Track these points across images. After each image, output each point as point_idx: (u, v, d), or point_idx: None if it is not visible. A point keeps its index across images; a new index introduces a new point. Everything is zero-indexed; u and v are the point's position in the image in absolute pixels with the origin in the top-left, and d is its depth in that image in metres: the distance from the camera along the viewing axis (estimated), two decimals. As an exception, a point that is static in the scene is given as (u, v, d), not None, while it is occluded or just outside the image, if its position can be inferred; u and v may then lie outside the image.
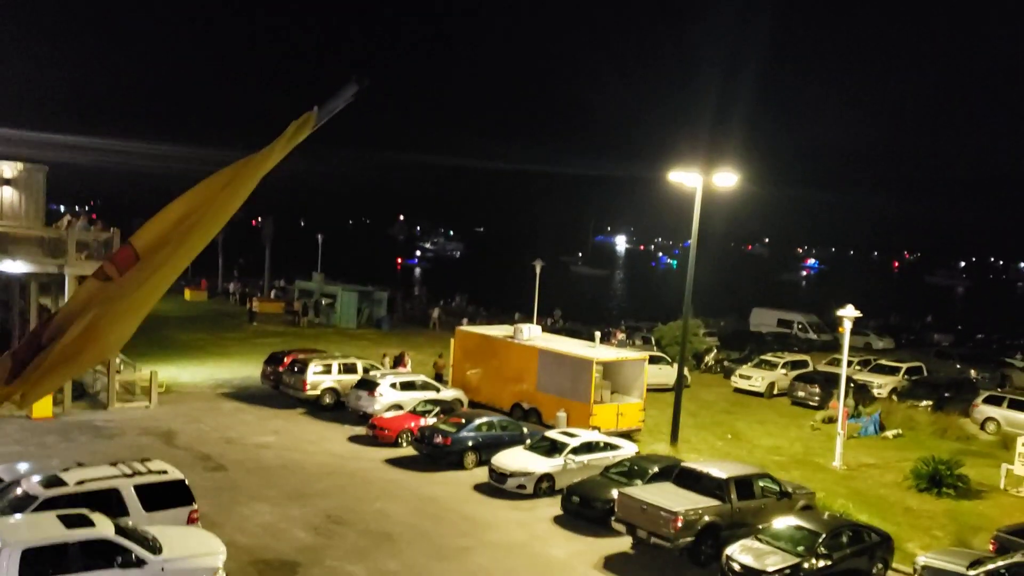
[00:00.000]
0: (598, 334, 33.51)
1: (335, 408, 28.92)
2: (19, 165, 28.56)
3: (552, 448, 22.40)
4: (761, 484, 19.41)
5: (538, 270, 43.81)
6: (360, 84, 2.33)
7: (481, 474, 22.40)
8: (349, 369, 30.32)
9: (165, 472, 16.17)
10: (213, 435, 25.09)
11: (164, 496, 15.69)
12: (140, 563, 13.26)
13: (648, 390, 29.25)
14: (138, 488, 15.41)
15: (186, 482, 16.20)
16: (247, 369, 34.15)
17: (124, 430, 24.90)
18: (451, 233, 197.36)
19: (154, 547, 13.66)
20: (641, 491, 18.72)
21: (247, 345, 40.69)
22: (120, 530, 13.58)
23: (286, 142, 2.15)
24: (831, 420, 29.07)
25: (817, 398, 34.24)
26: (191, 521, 15.79)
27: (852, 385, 32.42)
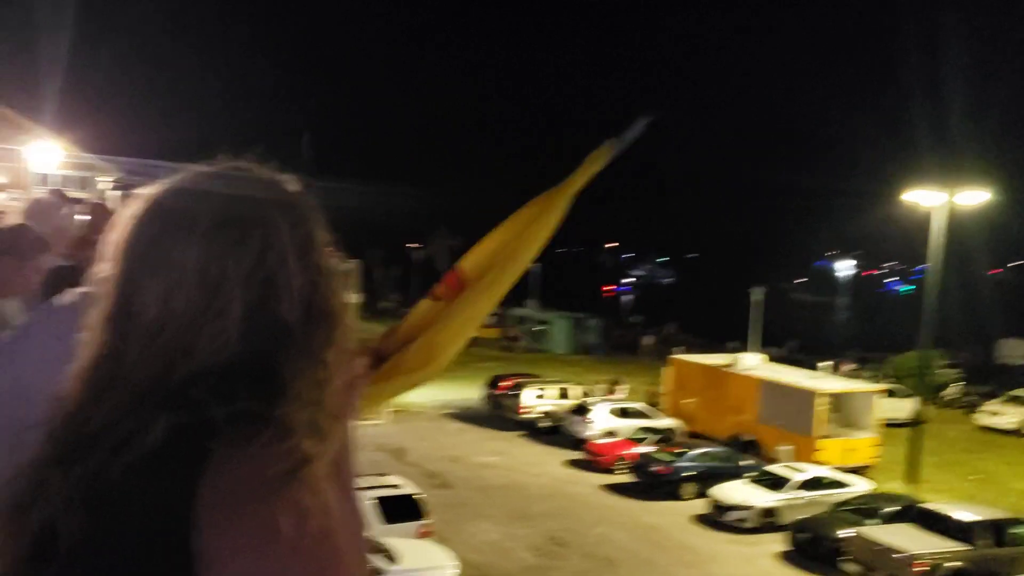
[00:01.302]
0: (825, 364, 32.03)
1: (551, 432, 29.35)
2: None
3: (775, 482, 21.61)
4: (1016, 531, 17.78)
5: (756, 297, 42.57)
6: (653, 116, 2.45)
7: (699, 505, 21.96)
8: (564, 394, 30.73)
9: (400, 487, 17.07)
10: (439, 453, 26.16)
11: (399, 509, 16.53)
12: (378, 572, 14.03)
13: (881, 425, 27.61)
14: (377, 500, 16.34)
15: (419, 497, 17.01)
16: (468, 391, 35.37)
17: (360, 445, 26.38)
18: (662, 260, 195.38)
19: (391, 557, 14.42)
20: (876, 531, 17.67)
21: (468, 368, 42.08)
22: (361, 539, 14.42)
23: (584, 173, 2.29)
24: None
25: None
26: (423, 535, 16.54)
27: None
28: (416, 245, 75.31)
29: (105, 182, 31.40)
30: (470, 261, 2.28)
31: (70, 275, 3.37)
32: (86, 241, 4.28)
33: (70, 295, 1.82)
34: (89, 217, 4.46)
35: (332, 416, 0.96)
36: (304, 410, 0.92)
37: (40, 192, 4.21)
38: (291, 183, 1.06)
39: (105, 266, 1.00)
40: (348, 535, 0.96)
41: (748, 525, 20.50)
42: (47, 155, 29.15)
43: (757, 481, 21.85)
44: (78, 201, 4.72)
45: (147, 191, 1.02)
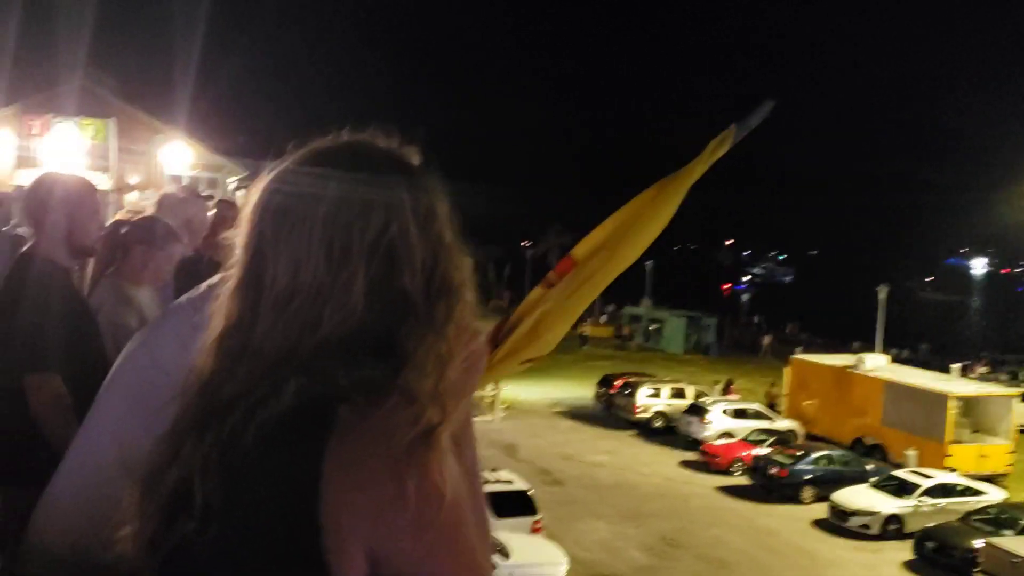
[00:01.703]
0: (956, 366, 30.54)
1: (665, 432, 28.97)
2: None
3: (901, 488, 20.74)
4: None
5: (882, 296, 40.90)
6: (777, 100, 2.38)
7: (819, 510, 21.26)
8: (679, 394, 30.28)
9: (512, 482, 17.19)
10: (551, 451, 26.20)
11: (511, 505, 16.63)
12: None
13: (1020, 431, 26.12)
14: (489, 495, 16.49)
15: (530, 493, 17.08)
16: (580, 390, 35.30)
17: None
18: (781, 257, 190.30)
19: (503, 552, 14.53)
20: (1012, 542, 16.74)
21: (580, 367, 42.09)
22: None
23: (707, 158, 2.23)
24: None
25: None
26: (535, 531, 16.60)
27: None
28: (529, 243, 75.65)
29: (232, 182, 32.78)
30: (583, 247, 2.27)
31: (198, 266, 3.54)
32: (214, 234, 4.46)
33: (205, 284, 1.88)
34: (217, 212, 4.63)
35: (454, 389, 0.98)
36: (427, 380, 0.94)
37: (172, 188, 4.42)
38: (413, 156, 1.08)
39: (236, 240, 1.04)
40: (471, 509, 0.98)
41: (871, 532, 19.76)
42: (179, 156, 30.65)
43: (882, 486, 21.02)
44: (208, 197, 4.92)
45: (276, 167, 1.04)
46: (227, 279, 1.04)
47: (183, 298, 1.92)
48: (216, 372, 1.00)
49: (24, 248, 2.97)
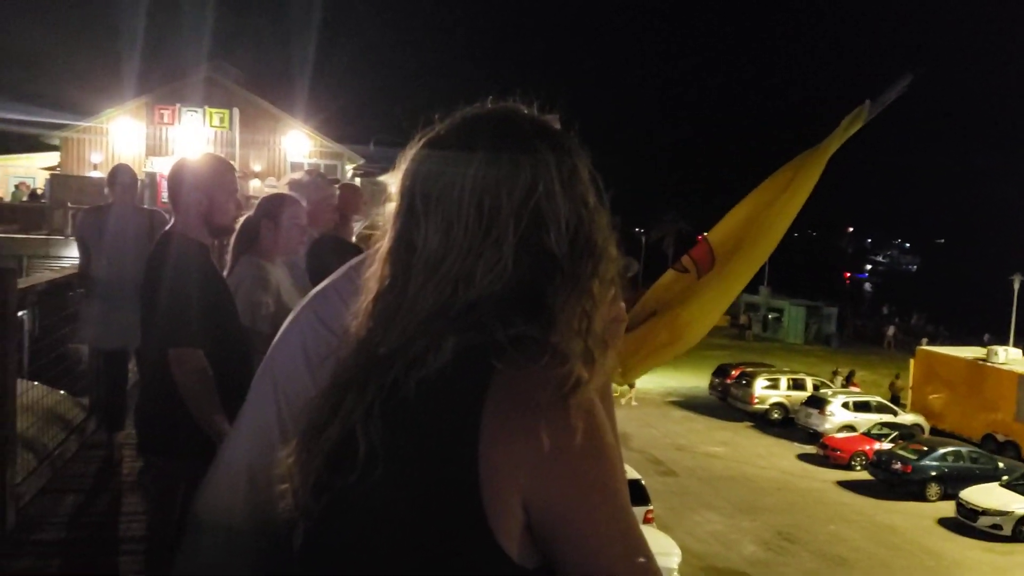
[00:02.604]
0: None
1: (783, 424, 28.24)
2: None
3: (1038, 488, 19.60)
4: None
5: (1017, 286, 38.68)
6: (914, 74, 2.20)
7: (946, 508, 20.32)
8: (798, 385, 29.47)
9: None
10: (664, 441, 25.89)
11: (622, 493, 16.50)
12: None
13: None
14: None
15: (642, 482, 16.90)
16: (695, 379, 34.73)
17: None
18: (907, 245, 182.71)
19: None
20: None
21: (694, 356, 41.27)
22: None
23: (840, 136, 2.10)
24: None
25: None
26: (646, 521, 16.40)
27: None
28: (642, 230, 74.80)
29: (350, 169, 33.57)
30: (719, 233, 2.16)
31: (327, 246, 3.61)
32: (340, 216, 4.67)
33: (360, 256, 1.91)
34: (341, 195, 4.75)
35: (600, 344, 1.01)
36: (576, 338, 0.97)
37: (299, 174, 4.56)
38: (555, 121, 1.11)
39: (387, 205, 1.09)
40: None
41: (1003, 533, 18.76)
42: (299, 144, 31.59)
43: (1015, 485, 19.91)
44: (335, 180, 5.08)
45: (425, 134, 1.08)
46: (380, 238, 1.09)
47: (344, 266, 1.95)
48: (373, 330, 1.05)
49: (167, 227, 3.08)
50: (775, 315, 50.56)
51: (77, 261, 6.16)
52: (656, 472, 22.26)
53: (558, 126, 1.10)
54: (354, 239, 4.92)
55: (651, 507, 16.55)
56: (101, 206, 6.07)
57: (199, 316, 2.90)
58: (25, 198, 29.06)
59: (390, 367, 0.99)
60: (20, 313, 5.02)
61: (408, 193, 1.06)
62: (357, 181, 32.34)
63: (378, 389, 0.99)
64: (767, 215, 2.06)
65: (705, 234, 2.18)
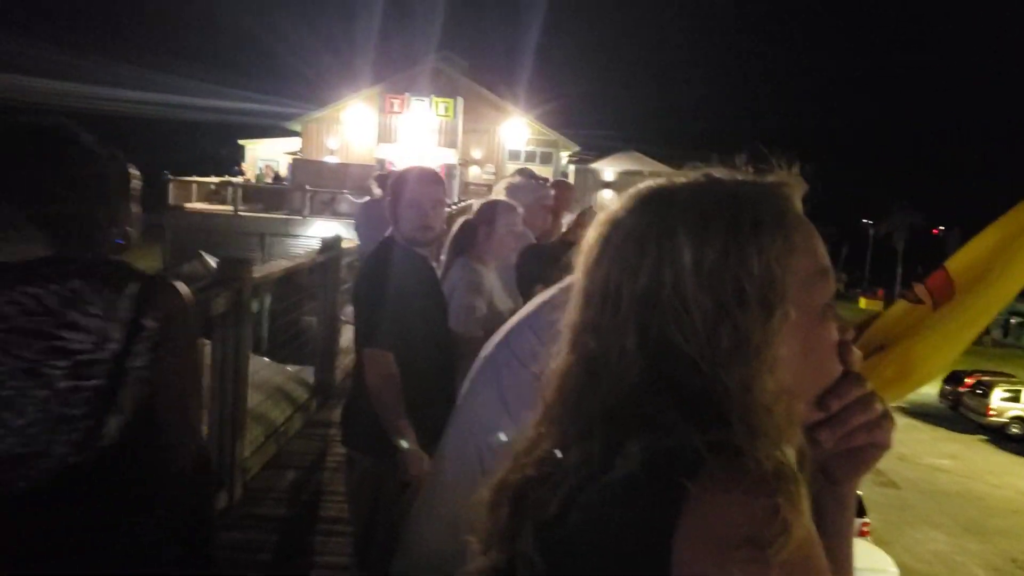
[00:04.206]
0: None
1: (1021, 440, 25.86)
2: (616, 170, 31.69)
3: None
4: None
5: None
6: None
7: None
8: (1043, 398, 26.88)
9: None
10: (884, 449, 24.39)
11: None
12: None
13: None
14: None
15: (860, 493, 16.00)
16: (924, 385, 32.44)
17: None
18: None
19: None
20: None
21: (922, 359, 38.74)
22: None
23: None
24: None
25: None
26: (861, 534, 15.53)
27: None
28: (870, 222, 70.52)
29: (565, 156, 33.92)
30: (960, 261, 1.94)
31: (540, 251, 3.68)
32: (554, 216, 4.76)
33: (565, 283, 1.90)
34: (554, 192, 4.81)
35: (798, 455, 0.89)
36: (772, 452, 0.84)
37: (514, 178, 4.66)
38: (787, 186, 0.97)
39: (576, 271, 1.01)
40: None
41: None
42: (518, 132, 32.26)
43: None
44: (544, 180, 5.15)
45: (629, 197, 1.00)
46: (569, 304, 1.00)
47: (544, 294, 1.92)
48: (558, 401, 0.97)
49: (386, 234, 3.22)
50: (1019, 320, 46.29)
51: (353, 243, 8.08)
52: (875, 483, 21.00)
53: (782, 206, 0.95)
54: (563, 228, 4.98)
55: (867, 519, 15.65)
56: (373, 200, 7.25)
57: (394, 320, 2.98)
58: (269, 180, 31.53)
59: (572, 464, 0.90)
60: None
61: (599, 258, 0.97)
62: (572, 168, 32.68)
63: (558, 480, 0.90)
64: (1020, 243, 1.80)
65: (945, 263, 1.94)
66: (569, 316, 0.98)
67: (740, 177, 0.97)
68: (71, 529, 1.72)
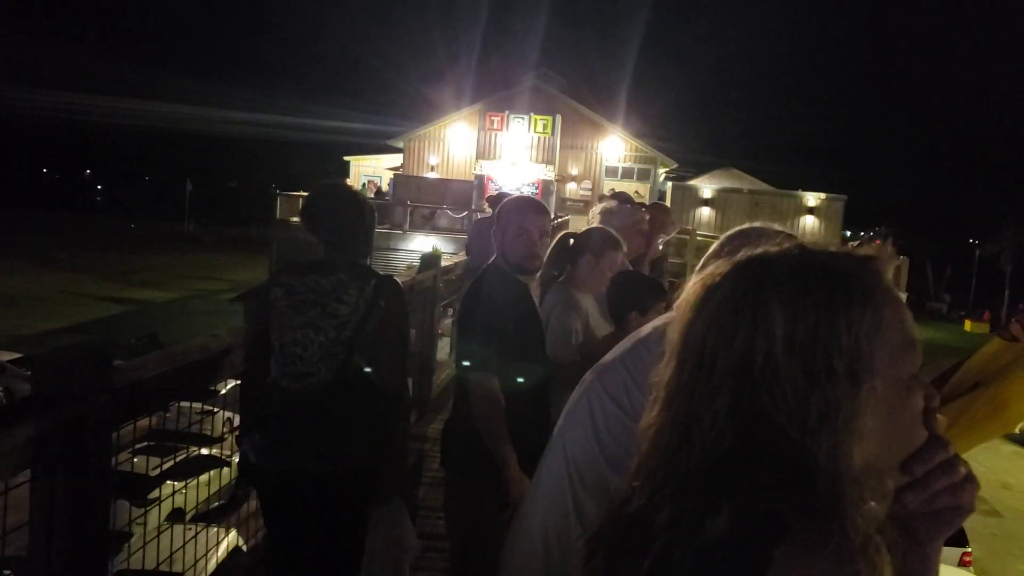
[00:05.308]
0: None
1: None
2: (821, 195, 30.98)
3: None
4: None
5: None
6: None
7: None
8: None
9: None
10: (988, 477, 23.45)
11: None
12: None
13: None
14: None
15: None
16: None
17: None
18: None
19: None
20: None
21: (1031, 385, 37.00)
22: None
23: None
24: None
25: None
26: (963, 563, 15.12)
27: None
28: (976, 241, 67.84)
29: (663, 173, 33.84)
30: None
31: (633, 279, 3.73)
32: (649, 238, 4.81)
33: (661, 320, 1.99)
34: (649, 216, 4.87)
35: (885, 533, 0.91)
36: (857, 515, 0.87)
37: (610, 203, 4.75)
38: (883, 261, 0.99)
39: (671, 329, 1.04)
40: None
41: None
42: (615, 149, 32.38)
43: None
44: (640, 205, 5.20)
45: (726, 263, 1.03)
46: (668, 344, 1.03)
47: (640, 331, 2.02)
48: (653, 456, 0.99)
49: (491, 260, 3.30)
50: None
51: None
52: (978, 512, 20.07)
53: (872, 279, 0.96)
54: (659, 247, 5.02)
55: (968, 549, 15.23)
56: (486, 219, 7.62)
57: (499, 346, 3.02)
58: (371, 195, 32.47)
59: (658, 529, 0.91)
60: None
61: (695, 325, 1.00)
62: (669, 185, 32.59)
63: (641, 557, 0.91)
64: None
65: None
66: (664, 374, 1.00)
67: (833, 250, 0.99)
68: (332, 419, 2.78)
